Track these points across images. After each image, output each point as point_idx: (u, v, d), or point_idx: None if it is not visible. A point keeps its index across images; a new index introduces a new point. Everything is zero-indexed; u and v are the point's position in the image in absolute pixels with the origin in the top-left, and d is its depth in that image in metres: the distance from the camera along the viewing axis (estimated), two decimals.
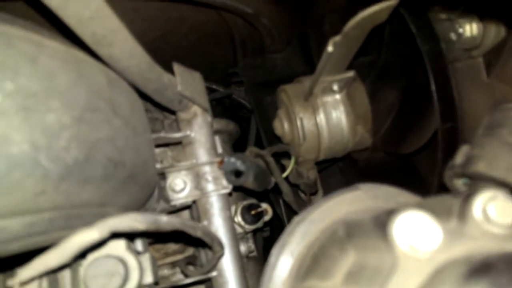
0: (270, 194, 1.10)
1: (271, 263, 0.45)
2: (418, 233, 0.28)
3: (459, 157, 0.45)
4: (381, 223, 0.30)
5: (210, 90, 1.44)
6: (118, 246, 0.50)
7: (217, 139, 0.97)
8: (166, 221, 0.42)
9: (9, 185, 0.33)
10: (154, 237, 0.65)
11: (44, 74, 0.36)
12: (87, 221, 0.44)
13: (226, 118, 1.09)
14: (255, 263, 0.99)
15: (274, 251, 0.46)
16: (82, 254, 0.48)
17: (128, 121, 0.47)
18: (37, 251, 0.41)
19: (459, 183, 0.46)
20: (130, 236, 0.51)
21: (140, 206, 0.63)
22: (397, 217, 0.28)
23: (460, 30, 0.61)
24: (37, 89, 0.35)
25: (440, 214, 0.30)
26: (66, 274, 0.46)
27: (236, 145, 1.12)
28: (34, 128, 0.34)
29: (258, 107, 1.20)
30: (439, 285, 0.25)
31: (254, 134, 1.36)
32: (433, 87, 0.67)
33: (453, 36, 0.63)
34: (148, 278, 0.53)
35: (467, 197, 0.29)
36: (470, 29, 0.60)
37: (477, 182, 0.41)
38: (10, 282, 0.37)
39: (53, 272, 0.42)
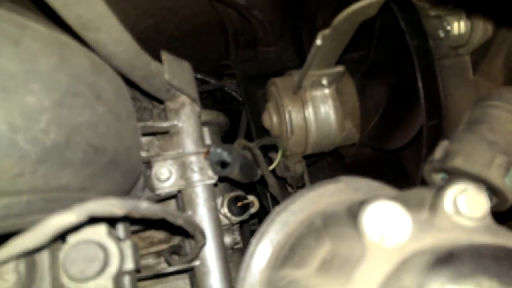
0: (257, 186, 1.10)
1: (250, 252, 0.46)
2: (388, 223, 0.28)
3: (438, 152, 0.46)
4: (353, 213, 0.31)
5: (201, 82, 1.43)
6: (99, 232, 0.50)
7: (206, 130, 0.97)
8: (145, 208, 0.42)
9: None
10: (137, 224, 0.65)
11: (25, 56, 0.36)
12: (66, 206, 0.44)
13: (216, 111, 1.09)
14: (240, 254, 0.99)
15: (253, 240, 0.47)
16: (62, 237, 0.48)
17: (111, 108, 0.47)
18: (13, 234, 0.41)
19: (438, 178, 0.46)
20: (111, 222, 0.51)
21: (123, 193, 0.63)
22: (367, 207, 0.29)
23: (448, 28, 0.61)
24: (17, 71, 0.35)
25: (412, 205, 0.31)
26: (44, 258, 0.46)
27: (226, 138, 1.12)
28: (13, 109, 0.34)
29: (249, 100, 1.20)
30: (404, 273, 0.25)
31: (245, 127, 1.36)
32: (420, 84, 0.68)
33: (441, 33, 0.64)
34: (129, 265, 0.53)
35: (439, 190, 0.30)
36: (458, 27, 0.60)
37: (454, 177, 0.42)
38: None
39: (30, 254, 0.42)
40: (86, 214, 0.36)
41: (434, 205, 0.30)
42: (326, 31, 0.62)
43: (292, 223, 0.46)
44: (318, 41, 0.64)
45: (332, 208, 0.42)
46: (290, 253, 0.41)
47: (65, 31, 0.48)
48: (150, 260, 0.91)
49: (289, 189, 1.04)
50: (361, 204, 0.29)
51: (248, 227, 1.34)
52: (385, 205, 0.29)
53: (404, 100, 0.80)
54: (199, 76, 1.42)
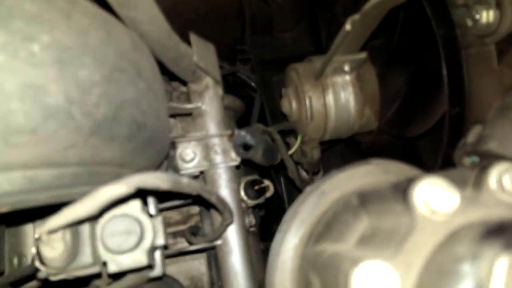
0: (272, 172, 1.12)
1: (283, 230, 0.47)
2: (436, 197, 0.30)
3: (471, 136, 0.47)
4: (400, 188, 0.32)
5: None
6: (134, 207, 0.52)
7: None
8: (187, 183, 0.43)
9: (44, 134, 0.34)
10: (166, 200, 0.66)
11: (77, 30, 0.37)
12: (105, 180, 0.46)
13: (232, 95, 1.10)
14: (254, 238, 1.01)
15: (286, 218, 0.48)
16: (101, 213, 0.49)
17: (150, 86, 0.48)
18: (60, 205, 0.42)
19: (468, 162, 0.47)
20: (143, 198, 0.53)
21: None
22: (418, 182, 0.30)
23: (477, 17, 0.62)
24: (71, 44, 0.36)
25: (457, 183, 0.32)
26: (85, 229, 0.47)
27: (238, 124, 1.13)
28: (69, 81, 0.35)
29: (264, 85, 1.21)
30: (455, 244, 0.27)
31: (257, 112, 1.37)
32: (444, 71, 0.68)
33: (469, 22, 0.64)
34: (160, 240, 0.55)
35: (483, 168, 0.31)
36: (486, 16, 0.61)
37: (487, 160, 0.43)
38: (39, 229, 0.39)
39: (76, 224, 0.43)
40: (135, 185, 0.37)
41: (479, 183, 0.31)
42: (356, 16, 0.63)
43: (324, 204, 0.47)
44: (348, 26, 0.64)
45: (368, 188, 0.43)
46: (326, 230, 0.42)
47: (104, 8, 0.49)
48: (169, 241, 0.93)
49: (303, 175, 1.06)
50: (411, 180, 0.31)
51: (258, 211, 1.36)
52: (434, 181, 0.30)
53: (425, 88, 0.80)
54: None
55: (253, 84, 1.34)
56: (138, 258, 0.50)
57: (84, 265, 0.46)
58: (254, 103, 1.40)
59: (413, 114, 0.81)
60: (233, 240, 0.72)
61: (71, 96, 0.35)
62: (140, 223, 0.51)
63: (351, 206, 0.41)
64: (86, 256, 0.46)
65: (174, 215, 0.93)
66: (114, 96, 0.40)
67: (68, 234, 0.43)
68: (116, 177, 0.48)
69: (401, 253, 0.28)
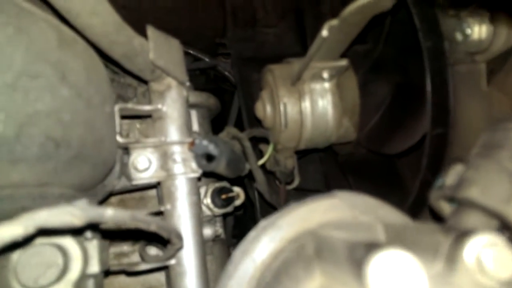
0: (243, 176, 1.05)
1: (229, 270, 0.41)
2: (398, 277, 0.23)
3: (450, 177, 0.41)
4: (356, 257, 0.25)
5: (194, 59, 1.35)
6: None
7: (194, 113, 0.90)
8: (111, 216, 0.36)
9: None
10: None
11: None
12: (21, 204, 0.38)
13: (208, 90, 1.02)
14: (221, 246, 0.95)
15: (235, 256, 0.42)
16: (11, 248, 0.42)
17: (80, 91, 0.40)
18: None
19: (447, 207, 0.42)
20: (69, 230, 0.45)
21: (95, 184, 0.57)
22: (374, 256, 0.23)
23: (468, 31, 0.55)
24: None
25: (425, 251, 0.26)
26: None
27: (216, 120, 1.05)
28: None
29: (242, 84, 1.13)
30: None
31: (236, 111, 1.30)
32: (428, 88, 0.62)
33: (458, 36, 0.57)
34: (94, 267, 0.48)
35: (460, 237, 0.25)
36: (479, 31, 0.54)
37: (467, 209, 0.37)
38: None
39: None
40: (35, 225, 0.30)
41: (452, 257, 0.25)
42: (334, 22, 0.56)
43: (278, 241, 0.41)
44: (324, 32, 0.57)
45: (327, 232, 0.36)
46: (274, 282, 0.36)
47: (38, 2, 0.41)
48: (125, 248, 0.86)
49: (277, 183, 1.00)
50: (367, 249, 0.24)
51: (232, 215, 1.30)
52: (395, 254, 0.24)
53: (408, 102, 0.74)
54: (192, 52, 1.34)
55: (233, 79, 1.26)
56: None
57: None
58: (234, 96, 1.32)
59: (393, 130, 0.75)
60: (188, 261, 0.65)
61: None
62: (64, 251, 0.44)
63: (305, 256, 0.35)
64: None
65: None
66: (20, 109, 0.32)
67: None
68: (38, 198, 0.41)
69: None
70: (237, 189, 0.90)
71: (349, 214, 0.42)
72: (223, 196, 0.85)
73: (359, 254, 0.25)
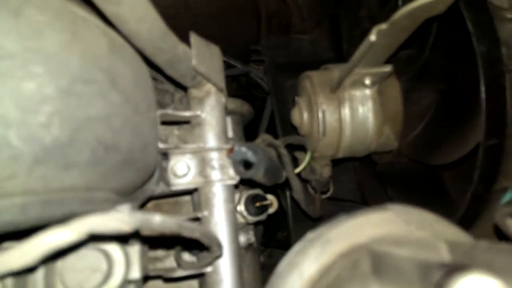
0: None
1: (275, 284, 0.39)
2: None
3: None
4: (430, 278, 0.23)
5: (227, 65, 1.36)
6: None
7: (228, 120, 0.90)
8: (159, 222, 0.35)
9: None
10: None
11: (27, 31, 0.29)
12: (70, 208, 0.38)
13: (240, 96, 1.01)
14: (253, 254, 0.93)
15: (280, 269, 0.40)
16: (61, 254, 0.42)
17: (129, 97, 0.40)
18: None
19: None
20: (119, 237, 0.45)
21: (136, 188, 0.57)
22: (457, 281, 0.21)
23: None
24: (15, 49, 0.28)
25: (509, 275, 0.23)
26: (39, 268, 0.40)
27: (248, 127, 1.05)
28: (5, 97, 0.27)
29: (276, 91, 1.12)
30: None
31: (268, 118, 1.29)
32: (483, 95, 0.58)
33: None
34: (135, 273, 0.47)
35: (447, 275, 0.22)
36: None
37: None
38: None
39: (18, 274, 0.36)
40: (85, 231, 0.29)
41: None
42: (383, 26, 0.54)
43: (328, 255, 0.39)
44: (372, 37, 0.55)
45: (384, 248, 0.34)
46: None
47: (85, 4, 0.41)
48: (159, 252, 0.86)
49: (311, 191, 0.97)
50: (448, 273, 0.22)
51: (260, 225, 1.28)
52: (481, 281, 0.21)
53: (456, 111, 0.70)
54: (225, 59, 1.34)
55: (265, 86, 1.25)
56: None
57: None
58: (265, 103, 1.32)
59: (439, 140, 0.71)
60: (224, 269, 0.64)
61: (8, 116, 0.27)
62: (108, 256, 0.43)
63: (361, 273, 0.32)
64: None
65: None
66: (74, 114, 0.32)
67: (9, 280, 0.35)
68: (84, 202, 0.41)
69: None
70: (270, 197, 0.88)
71: (404, 229, 0.40)
72: (257, 204, 0.84)
73: (435, 276, 0.23)
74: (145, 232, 0.36)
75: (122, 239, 0.43)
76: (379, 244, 0.36)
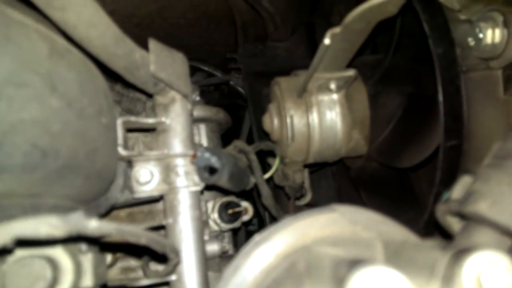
0: (254, 192, 1.03)
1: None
2: None
3: (457, 190, 0.37)
4: (338, 275, 0.23)
5: (207, 75, 1.36)
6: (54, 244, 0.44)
7: (203, 127, 0.90)
8: (94, 227, 0.35)
9: None
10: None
11: None
12: (11, 214, 0.38)
13: (222, 105, 1.01)
14: (229, 262, 0.92)
15: (226, 274, 0.39)
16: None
17: (72, 102, 0.40)
18: None
19: (454, 222, 0.38)
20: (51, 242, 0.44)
21: (93, 196, 0.56)
22: (356, 273, 0.21)
23: (480, 35, 0.52)
24: None
25: (421, 269, 0.23)
26: None
27: (229, 135, 1.04)
28: None
29: (253, 98, 1.12)
30: None
31: (248, 126, 1.29)
32: (440, 97, 0.59)
33: (471, 41, 0.54)
34: (87, 282, 0.47)
35: (457, 255, 0.22)
36: (492, 35, 0.51)
37: (476, 225, 0.34)
38: None
39: None
40: (11, 236, 0.29)
41: (450, 276, 0.22)
42: (337, 30, 0.54)
43: (271, 257, 0.38)
44: (327, 40, 0.55)
45: (321, 249, 0.34)
46: None
47: (33, 10, 0.41)
48: (132, 262, 0.85)
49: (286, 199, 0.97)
50: (349, 266, 0.22)
51: (243, 230, 1.27)
52: (380, 271, 0.21)
53: (421, 113, 0.71)
54: (205, 68, 1.35)
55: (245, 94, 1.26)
56: None
57: None
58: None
59: (405, 142, 0.72)
60: (189, 277, 0.63)
61: None
62: (55, 264, 0.43)
63: (295, 273, 0.32)
64: None
65: None
66: (2, 117, 0.32)
67: None
68: (29, 208, 0.40)
69: None
70: (245, 204, 0.88)
71: (349, 230, 0.40)
72: (230, 211, 0.83)
73: (342, 271, 0.22)
74: (105, 239, 0.35)
75: (66, 242, 0.42)
76: (320, 245, 0.36)
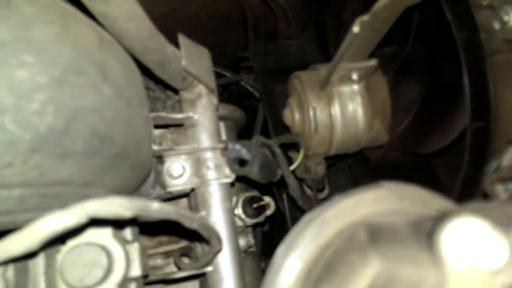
0: (274, 188, 1.04)
1: (276, 266, 0.39)
2: (476, 247, 0.21)
3: (507, 158, 0.39)
4: (423, 229, 0.24)
5: (217, 75, 1.37)
6: (103, 233, 0.44)
7: (221, 125, 0.91)
8: (157, 209, 0.35)
9: None
10: (144, 226, 0.59)
11: (17, 21, 0.30)
12: (66, 202, 0.38)
13: (233, 105, 1.02)
14: (253, 258, 0.93)
15: (279, 252, 0.40)
16: (61, 239, 0.42)
17: (120, 91, 0.41)
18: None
19: (501, 190, 0.39)
20: (117, 223, 0.45)
21: (132, 190, 0.57)
22: (448, 224, 0.22)
23: (506, 18, 0.54)
24: (7, 38, 0.29)
25: (499, 224, 0.24)
26: (39, 261, 0.40)
27: (240, 135, 1.05)
28: (0, 84, 0.28)
29: (267, 95, 1.13)
30: None
31: (261, 124, 1.30)
32: (466, 81, 0.60)
33: (495, 24, 0.56)
34: (136, 271, 0.47)
35: None
36: None
37: None
38: None
39: (19, 260, 0.36)
40: (86, 215, 0.30)
41: None
42: (365, 17, 0.55)
43: (325, 235, 0.39)
44: (356, 28, 0.57)
45: (379, 219, 0.35)
46: (327, 271, 0.34)
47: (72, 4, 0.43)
48: (158, 261, 0.85)
49: (308, 191, 0.97)
50: (438, 220, 0.23)
51: (260, 228, 1.27)
52: (471, 223, 0.22)
53: (442, 101, 0.72)
54: (215, 69, 1.36)
55: (256, 94, 1.27)
56: None
57: None
58: (257, 112, 1.33)
59: (428, 129, 0.73)
60: (225, 267, 0.64)
61: (2, 103, 0.28)
62: (108, 252, 0.43)
63: (358, 243, 0.33)
64: None
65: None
66: (67, 103, 0.33)
67: (10, 269, 0.35)
68: (81, 197, 0.41)
69: None
70: (267, 199, 0.89)
71: (398, 205, 0.41)
72: (255, 205, 0.84)
73: (427, 226, 0.23)
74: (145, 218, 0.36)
75: (121, 225, 0.43)
76: (374, 218, 0.37)
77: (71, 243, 0.43)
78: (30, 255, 0.33)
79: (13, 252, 0.28)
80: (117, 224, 0.44)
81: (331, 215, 0.40)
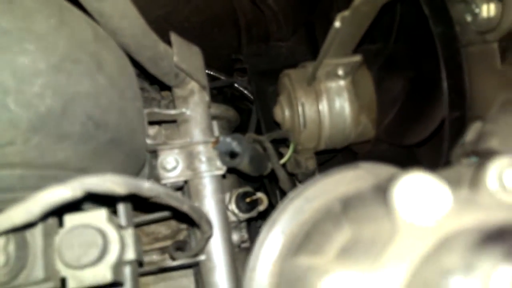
0: (266, 183, 1.06)
1: (260, 240, 0.42)
2: (423, 198, 0.24)
3: (470, 134, 0.42)
4: (381, 188, 0.27)
5: (211, 78, 1.41)
6: (99, 217, 0.47)
7: (215, 124, 0.94)
8: (148, 188, 0.38)
9: None
10: (139, 208, 0.61)
11: (20, 13, 0.33)
12: None
13: (226, 105, 1.05)
14: (247, 254, 0.95)
15: (264, 228, 0.43)
16: (59, 218, 0.45)
17: (114, 82, 0.44)
18: None
19: (468, 163, 0.42)
20: (111, 206, 0.48)
21: None
22: (399, 179, 0.25)
23: (477, 10, 0.57)
24: (10, 28, 0.32)
25: (450, 182, 0.27)
26: (38, 240, 0.42)
27: None
28: (4, 69, 0.31)
29: (259, 96, 1.17)
30: (445, 253, 0.21)
31: (255, 124, 1.33)
32: (443, 74, 0.63)
33: (468, 17, 0.59)
34: (130, 255, 0.50)
35: (481, 164, 0.26)
36: (487, 9, 0.56)
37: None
38: None
39: (20, 231, 0.39)
40: (82, 189, 0.33)
41: (475, 181, 0.26)
42: (346, 13, 0.59)
43: (306, 211, 0.42)
44: (337, 23, 0.60)
45: (352, 192, 0.38)
46: (305, 241, 0.37)
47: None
48: (154, 257, 0.87)
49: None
50: (391, 178, 0.26)
51: (255, 224, 1.30)
52: (420, 178, 0.25)
53: (423, 94, 0.76)
54: (209, 71, 1.40)
55: (250, 96, 1.30)
56: (101, 273, 0.45)
57: (34, 280, 0.41)
58: (251, 114, 1.36)
59: (411, 121, 0.76)
60: (217, 255, 0.66)
61: (5, 84, 0.31)
62: (104, 235, 0.46)
63: (333, 214, 0.36)
64: (36, 271, 0.41)
65: (163, 229, 0.88)
66: (64, 88, 0.36)
67: (12, 244, 0.38)
68: None
69: (379, 265, 0.23)
70: (260, 194, 0.91)
71: (374, 183, 0.43)
72: (247, 200, 0.86)
73: (383, 184, 0.26)
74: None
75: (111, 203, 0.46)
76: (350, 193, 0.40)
77: (68, 224, 0.45)
78: (27, 226, 0.35)
79: (15, 221, 0.31)
80: (112, 203, 0.47)
81: (312, 193, 0.43)
